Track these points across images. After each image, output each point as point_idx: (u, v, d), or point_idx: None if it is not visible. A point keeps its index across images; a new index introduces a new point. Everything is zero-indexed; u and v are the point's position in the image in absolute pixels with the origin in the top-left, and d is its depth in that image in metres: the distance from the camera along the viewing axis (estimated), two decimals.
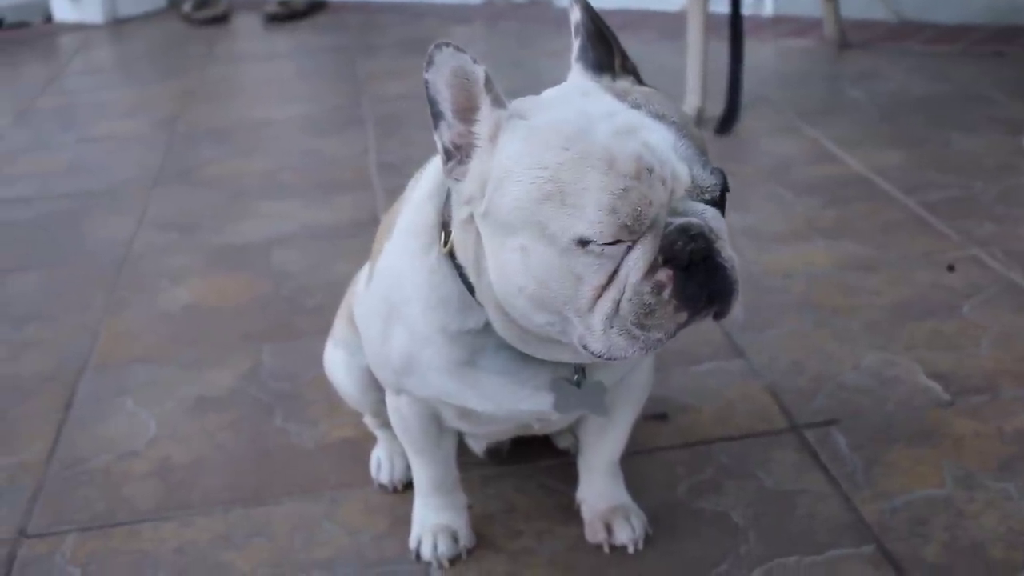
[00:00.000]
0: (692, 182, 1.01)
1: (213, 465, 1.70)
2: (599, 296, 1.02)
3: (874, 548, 1.42)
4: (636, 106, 1.04)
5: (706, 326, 1.06)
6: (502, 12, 4.88)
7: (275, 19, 5.18)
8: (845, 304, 2.05)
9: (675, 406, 1.76)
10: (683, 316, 1.02)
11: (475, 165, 1.06)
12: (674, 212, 1.01)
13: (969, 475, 1.54)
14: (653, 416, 1.71)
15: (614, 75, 1.13)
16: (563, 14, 4.60)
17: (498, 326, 1.15)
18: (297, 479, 1.65)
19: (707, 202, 1.03)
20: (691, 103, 3.11)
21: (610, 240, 0.99)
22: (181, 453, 1.74)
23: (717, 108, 3.10)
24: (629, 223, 0.98)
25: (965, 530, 1.44)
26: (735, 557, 1.42)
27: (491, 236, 1.06)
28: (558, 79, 1.15)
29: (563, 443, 1.65)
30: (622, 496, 1.49)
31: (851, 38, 3.88)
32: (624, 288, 1.01)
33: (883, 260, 2.22)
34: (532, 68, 3.91)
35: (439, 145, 1.07)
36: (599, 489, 1.48)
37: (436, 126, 1.06)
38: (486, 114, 1.05)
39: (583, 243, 0.99)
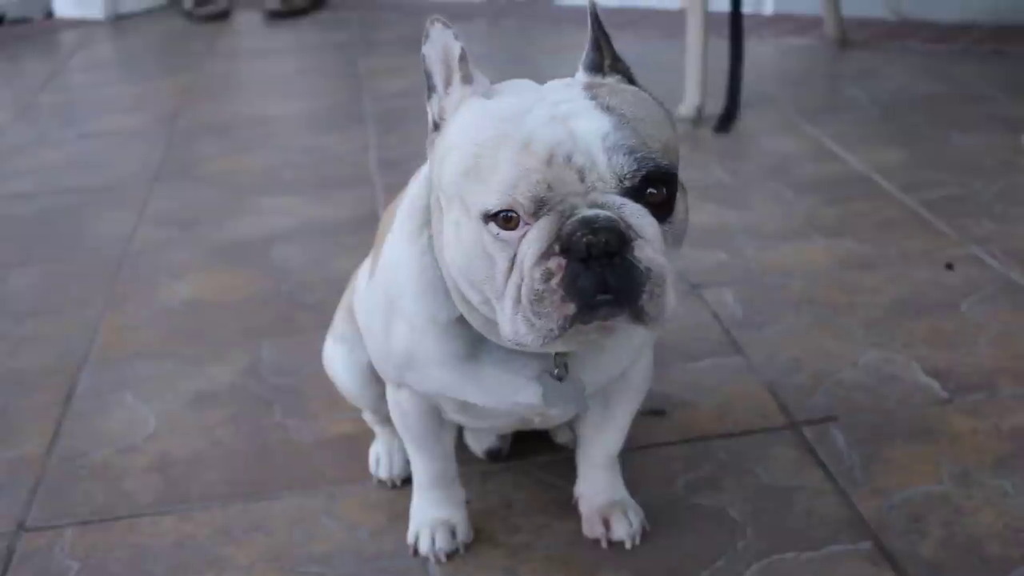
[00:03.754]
0: (612, 173, 1.00)
1: (212, 460, 1.71)
2: (507, 279, 1.02)
3: (871, 544, 1.42)
4: (592, 98, 1.04)
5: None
6: (503, 9, 4.88)
7: (276, 15, 5.18)
8: (844, 302, 2.06)
9: (673, 402, 1.76)
10: (570, 308, 0.99)
11: (439, 138, 1.09)
12: (593, 204, 1.00)
13: (966, 472, 1.55)
14: (651, 412, 1.72)
15: (604, 74, 1.13)
16: (564, 12, 4.63)
17: (462, 309, 1.15)
18: (296, 474, 1.66)
19: (626, 191, 1.00)
20: (691, 101, 3.12)
21: (503, 208, 0.99)
22: (180, 448, 1.75)
23: (717, 106, 3.10)
24: (523, 201, 0.99)
25: (962, 527, 1.44)
26: (732, 553, 1.42)
27: (440, 211, 1.09)
28: (559, 76, 1.15)
29: (561, 438, 1.66)
30: (620, 492, 1.49)
31: (851, 36, 3.88)
32: (522, 273, 1.01)
33: (882, 258, 2.22)
34: (533, 65, 3.91)
35: (429, 117, 1.11)
36: (597, 484, 1.48)
37: (429, 98, 1.10)
38: (455, 89, 1.08)
39: (486, 218, 1.01)
